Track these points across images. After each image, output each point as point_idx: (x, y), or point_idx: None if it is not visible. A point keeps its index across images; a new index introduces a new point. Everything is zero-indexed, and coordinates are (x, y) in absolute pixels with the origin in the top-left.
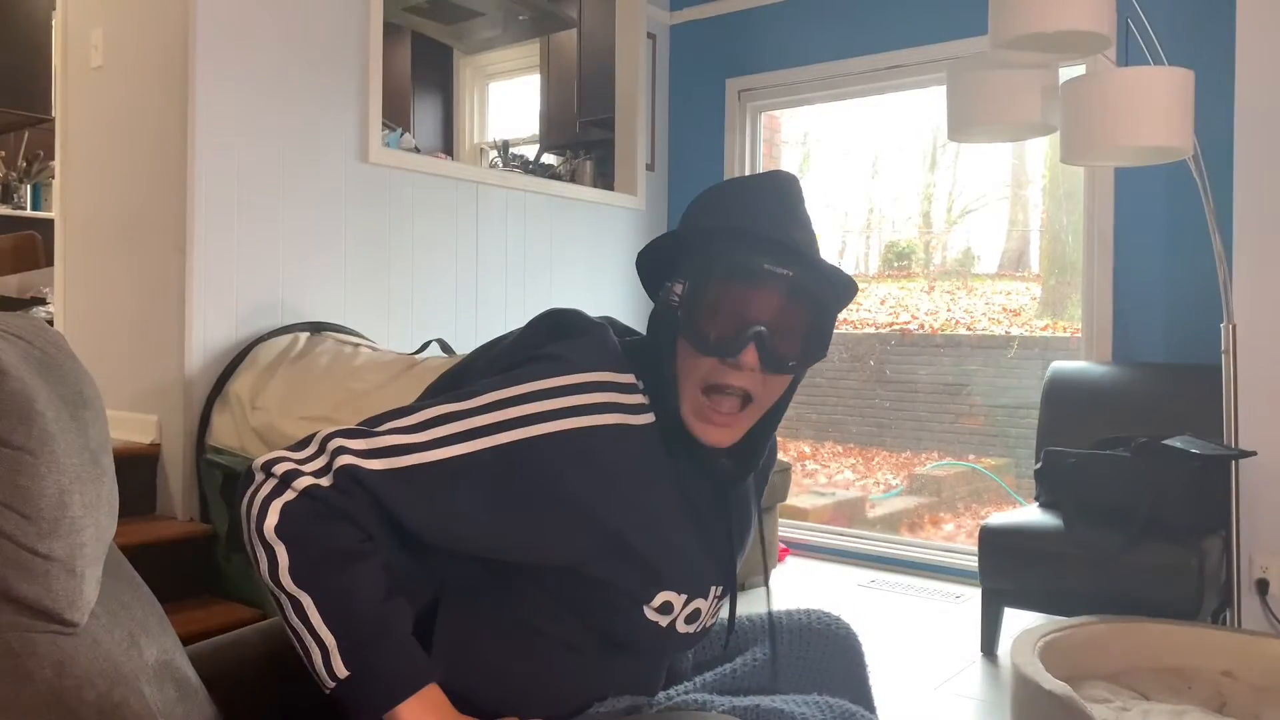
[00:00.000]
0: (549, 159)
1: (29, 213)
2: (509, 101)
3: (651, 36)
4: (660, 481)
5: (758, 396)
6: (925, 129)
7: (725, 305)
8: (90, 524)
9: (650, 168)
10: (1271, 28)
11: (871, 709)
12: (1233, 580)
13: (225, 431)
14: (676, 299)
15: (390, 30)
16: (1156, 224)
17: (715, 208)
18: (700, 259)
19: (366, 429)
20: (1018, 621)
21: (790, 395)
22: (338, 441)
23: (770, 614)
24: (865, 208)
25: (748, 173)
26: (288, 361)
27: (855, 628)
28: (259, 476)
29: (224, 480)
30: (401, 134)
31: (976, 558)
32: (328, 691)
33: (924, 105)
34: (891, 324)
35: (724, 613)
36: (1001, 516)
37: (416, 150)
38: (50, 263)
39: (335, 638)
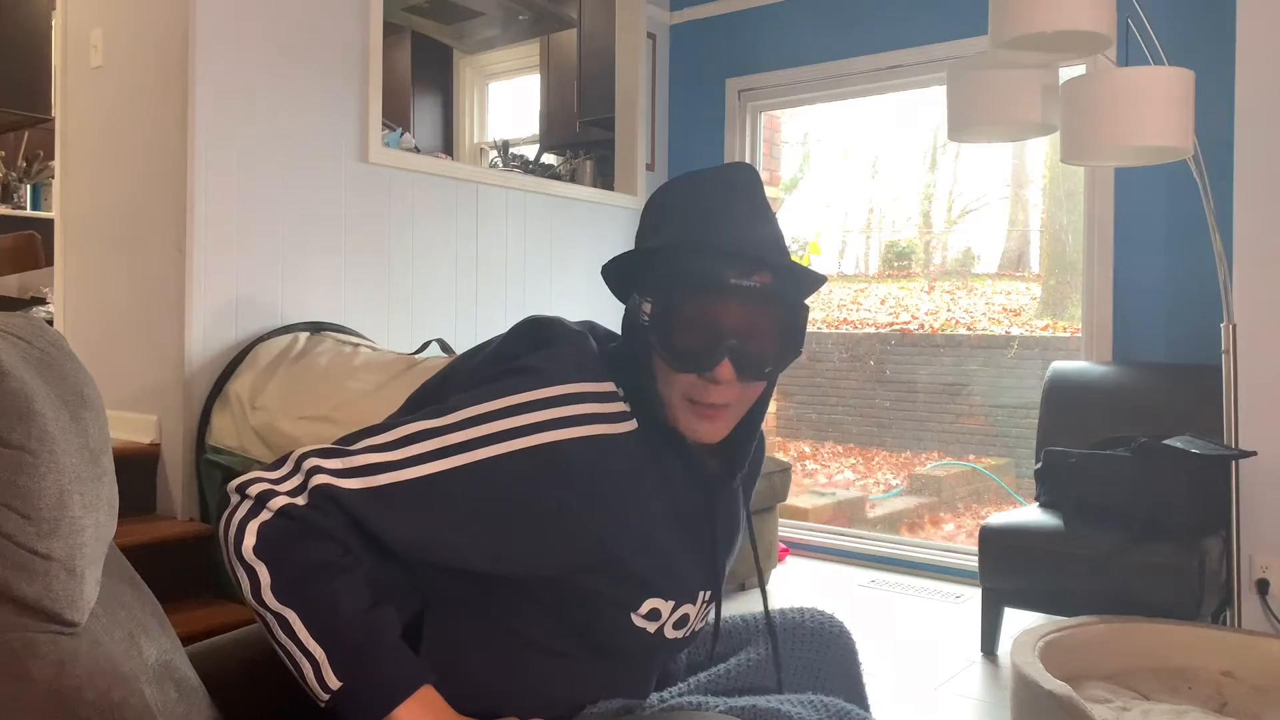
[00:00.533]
0: (549, 159)
1: (29, 212)
2: (509, 101)
3: (651, 36)
4: (645, 489)
5: (737, 403)
6: (925, 129)
7: (695, 322)
8: (90, 524)
9: (650, 167)
10: (1271, 28)
11: (866, 707)
12: (1233, 580)
13: (225, 431)
14: (646, 318)
15: (390, 30)
16: (1157, 224)
17: (674, 214)
18: (665, 276)
19: (342, 447)
20: (1018, 621)
21: (770, 392)
22: (313, 461)
23: (768, 614)
24: (865, 208)
25: None
26: (288, 361)
27: (855, 628)
28: (234, 498)
29: (224, 480)
30: (401, 134)
31: (977, 558)
32: (323, 705)
33: (924, 105)
34: (891, 324)
35: (713, 615)
36: (1002, 516)
37: (416, 150)
38: (50, 263)
39: (324, 650)
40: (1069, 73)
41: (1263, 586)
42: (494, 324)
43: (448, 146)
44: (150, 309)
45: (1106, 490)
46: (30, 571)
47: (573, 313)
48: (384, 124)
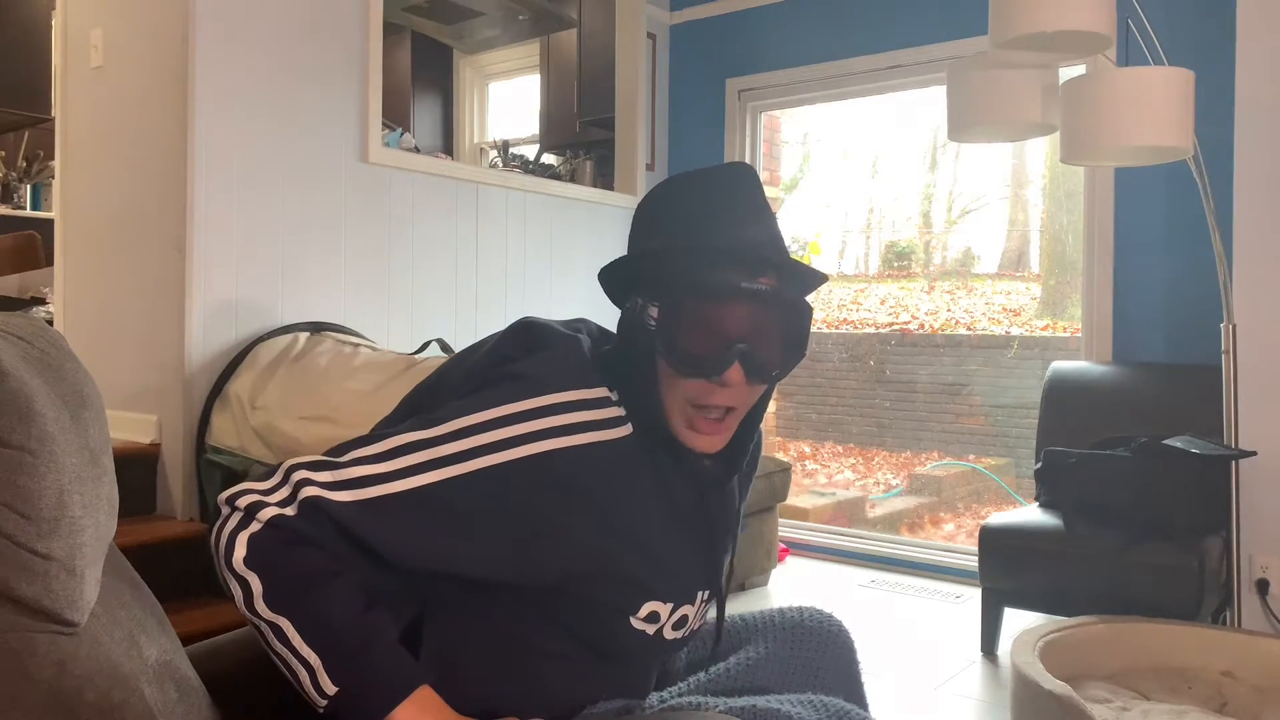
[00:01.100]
0: (549, 159)
1: (29, 212)
2: (509, 101)
3: (651, 36)
4: (641, 493)
5: (741, 406)
6: (925, 129)
7: (704, 327)
8: (90, 524)
9: (650, 167)
10: (1272, 28)
11: (865, 707)
12: (1233, 580)
13: (225, 431)
14: (653, 323)
15: (390, 30)
16: (1157, 224)
17: (672, 215)
18: (671, 280)
19: (331, 459)
20: (1018, 621)
21: (770, 393)
22: (302, 474)
23: (720, 614)
24: (865, 208)
25: None
26: (288, 361)
27: (855, 628)
28: (224, 510)
29: (224, 480)
30: (401, 134)
31: (977, 558)
32: (321, 710)
33: (924, 105)
34: (891, 324)
35: (713, 613)
36: (1001, 516)
37: (416, 150)
38: (50, 263)
39: (318, 655)
40: (1069, 73)
41: (1263, 586)
42: (494, 324)
43: (448, 146)
44: (150, 309)
45: (1106, 490)
46: (30, 571)
47: (573, 312)
48: (384, 124)
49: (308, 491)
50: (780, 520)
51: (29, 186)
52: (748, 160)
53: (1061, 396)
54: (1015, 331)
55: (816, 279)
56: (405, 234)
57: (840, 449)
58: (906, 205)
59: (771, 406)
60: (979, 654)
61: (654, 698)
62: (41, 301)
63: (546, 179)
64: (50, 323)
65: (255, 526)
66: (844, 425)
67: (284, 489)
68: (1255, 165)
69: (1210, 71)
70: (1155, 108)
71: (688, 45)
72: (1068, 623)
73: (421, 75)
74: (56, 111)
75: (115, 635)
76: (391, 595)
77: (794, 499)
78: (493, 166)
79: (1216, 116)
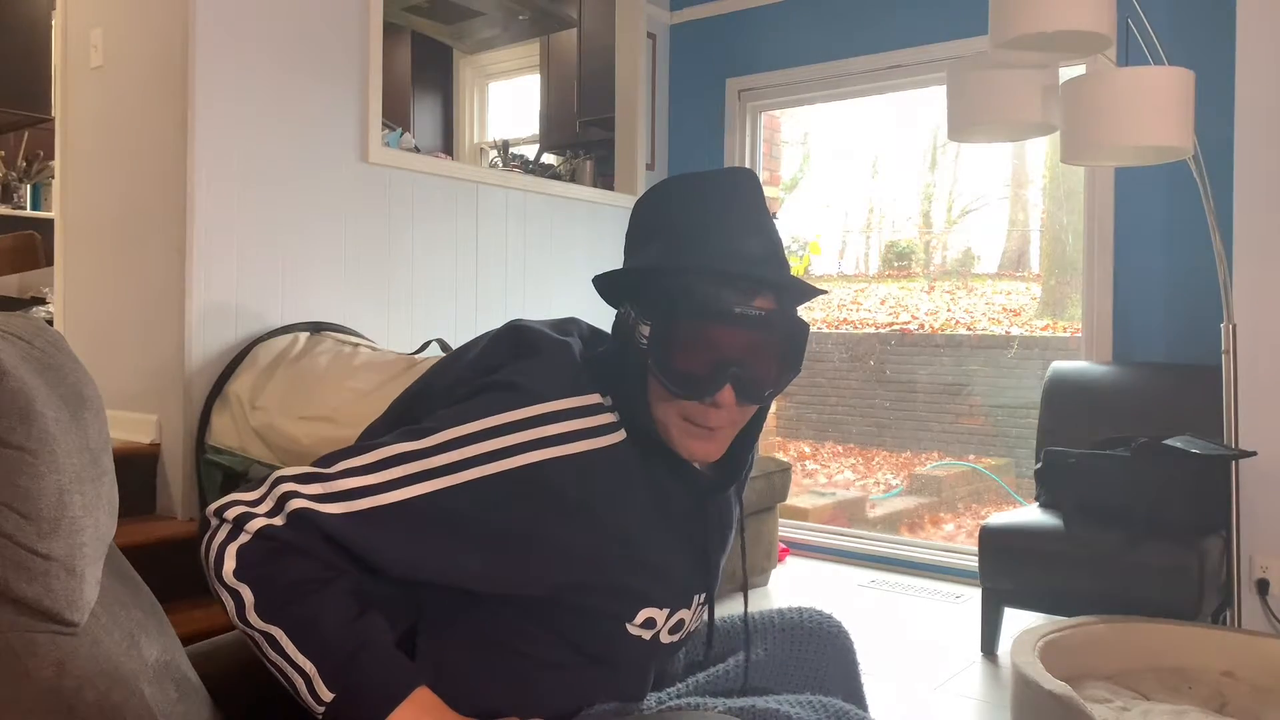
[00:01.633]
0: (549, 159)
1: (29, 212)
2: (509, 101)
3: (651, 36)
4: (635, 500)
5: (735, 424)
6: (925, 129)
7: (696, 349)
8: (90, 524)
9: (650, 167)
10: (1272, 28)
11: (864, 707)
12: (1233, 580)
13: (225, 431)
14: (644, 341)
15: (390, 30)
16: (1157, 224)
17: (669, 224)
18: (663, 298)
19: (319, 470)
20: (1018, 621)
21: (768, 408)
22: (289, 486)
23: (748, 617)
24: (865, 207)
25: None
26: (287, 361)
27: (855, 628)
28: (213, 522)
29: (224, 480)
30: (401, 133)
31: (977, 558)
32: (321, 718)
33: (924, 105)
34: (891, 324)
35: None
36: (1001, 516)
37: (416, 150)
38: (50, 263)
39: (313, 663)
40: (1069, 73)
41: (1263, 586)
42: (494, 323)
43: (448, 146)
44: (150, 309)
45: (1106, 490)
46: (30, 571)
47: (573, 312)
48: (384, 124)
49: (296, 504)
50: (780, 520)
51: (29, 186)
52: (747, 160)
53: (1061, 397)
54: (1015, 331)
55: (814, 295)
56: (405, 234)
57: (840, 449)
58: (906, 205)
59: (772, 407)
60: (979, 654)
61: (653, 698)
62: (41, 301)
63: (546, 179)
64: (50, 323)
65: (244, 538)
66: (844, 425)
67: (270, 500)
68: (1255, 165)
69: (1210, 71)
70: (1155, 108)
71: (688, 45)
72: (1068, 623)
73: (421, 75)
74: (56, 111)
75: (115, 635)
76: (385, 604)
77: (794, 499)
78: (493, 166)
79: (1216, 116)
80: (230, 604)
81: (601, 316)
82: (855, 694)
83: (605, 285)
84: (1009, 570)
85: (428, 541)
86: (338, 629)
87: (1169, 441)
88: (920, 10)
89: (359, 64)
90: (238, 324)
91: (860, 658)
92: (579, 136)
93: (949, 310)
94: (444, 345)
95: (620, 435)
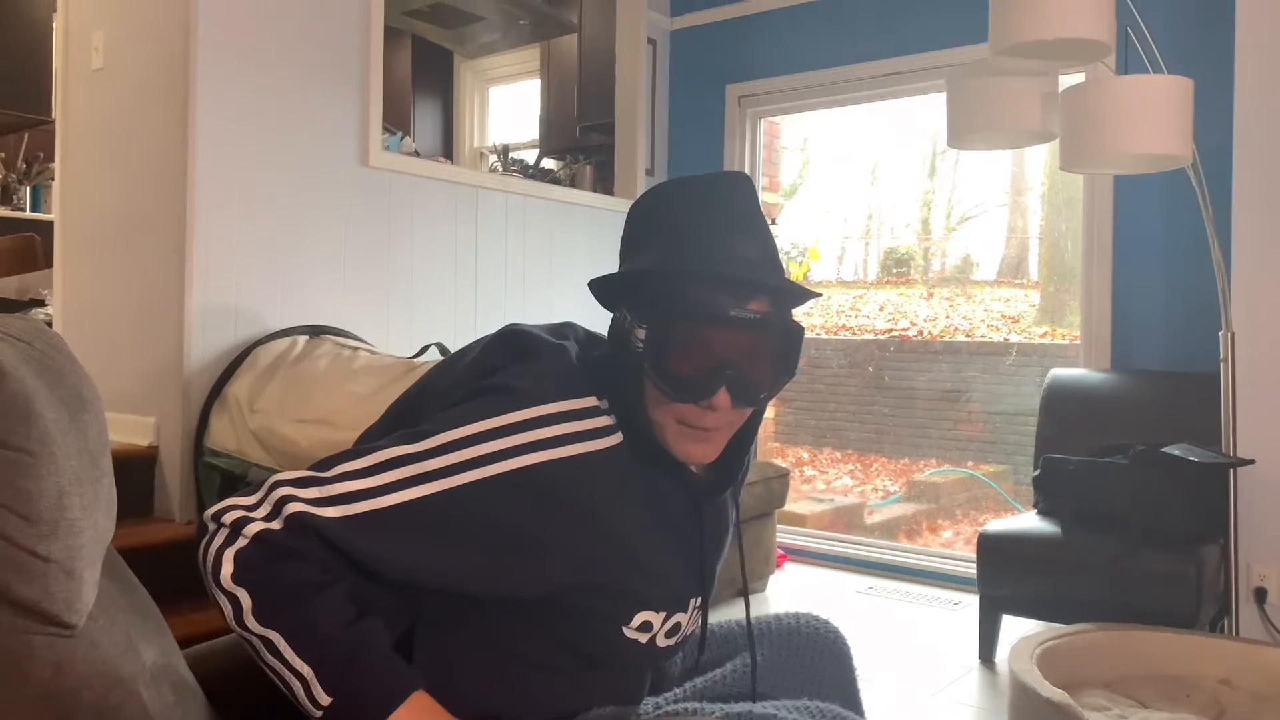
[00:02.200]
0: (549, 163)
1: (28, 214)
2: (509, 106)
3: (652, 42)
4: (631, 502)
5: (730, 426)
6: (925, 136)
7: (692, 353)
8: (89, 526)
9: (650, 173)
10: (1270, 37)
11: (861, 713)
12: (1231, 588)
13: (224, 434)
14: (640, 345)
15: (391, 34)
16: (1156, 231)
17: (664, 228)
18: (659, 302)
19: (317, 474)
20: (1016, 629)
21: (764, 410)
22: (287, 490)
23: (750, 622)
24: (865, 214)
25: None
26: (286, 364)
27: (852, 634)
28: (210, 527)
29: (222, 483)
30: (402, 138)
31: (975, 565)
32: None
33: (924, 112)
34: (890, 330)
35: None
36: (1000, 523)
37: (416, 154)
38: (49, 264)
39: (310, 667)
40: (1068, 80)
41: (1260, 595)
42: (493, 328)
43: (448, 151)
44: (149, 311)
45: (1105, 498)
46: (29, 573)
47: (572, 316)
48: (384, 128)
49: (294, 508)
50: (778, 526)
51: (29, 188)
52: (747, 166)
53: (1060, 404)
54: (1014, 338)
55: (808, 298)
56: (405, 237)
57: (838, 455)
58: (906, 212)
59: (770, 412)
60: (977, 661)
61: (650, 703)
62: (41, 303)
63: (546, 184)
64: (49, 324)
65: (241, 542)
66: (842, 431)
67: (268, 504)
68: (1254, 173)
69: (1209, 80)
70: (1154, 116)
71: (688, 51)
72: (1066, 630)
73: (422, 79)
74: (57, 113)
75: (113, 637)
76: (382, 607)
77: (792, 505)
78: (493, 171)
79: (1215, 125)
80: (228, 608)
81: (600, 321)
82: (852, 700)
83: (601, 289)
84: (1007, 577)
85: (425, 544)
86: (335, 632)
87: (1167, 449)
88: (920, 18)
89: (360, 68)
90: (237, 327)
91: (857, 664)
92: (579, 141)
93: (948, 317)
94: (443, 349)
95: (617, 438)
